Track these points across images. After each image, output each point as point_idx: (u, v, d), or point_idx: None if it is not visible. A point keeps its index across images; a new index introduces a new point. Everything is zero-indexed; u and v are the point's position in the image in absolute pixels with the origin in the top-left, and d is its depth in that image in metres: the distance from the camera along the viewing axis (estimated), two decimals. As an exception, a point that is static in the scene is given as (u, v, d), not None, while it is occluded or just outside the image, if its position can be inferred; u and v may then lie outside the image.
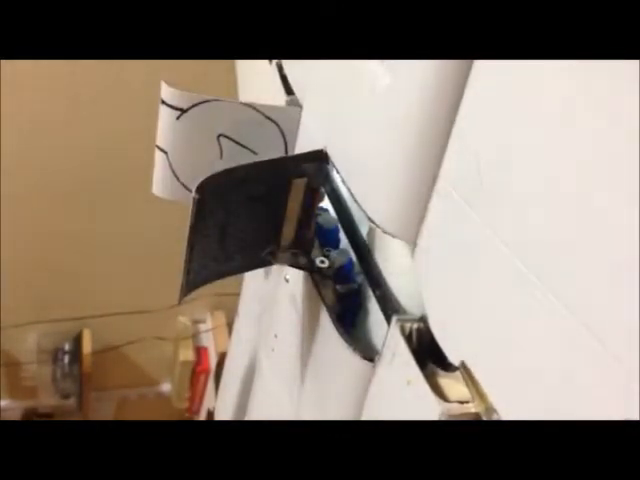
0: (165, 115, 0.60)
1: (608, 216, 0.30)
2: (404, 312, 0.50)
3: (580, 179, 0.32)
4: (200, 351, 1.72)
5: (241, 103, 0.59)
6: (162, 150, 0.63)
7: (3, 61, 1.10)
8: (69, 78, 1.21)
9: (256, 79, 0.68)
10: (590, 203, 0.31)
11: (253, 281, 0.86)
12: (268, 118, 0.59)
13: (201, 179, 0.49)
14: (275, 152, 0.61)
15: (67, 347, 1.68)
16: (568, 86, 0.32)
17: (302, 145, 0.60)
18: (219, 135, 0.61)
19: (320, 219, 0.62)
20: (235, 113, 0.59)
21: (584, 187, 0.32)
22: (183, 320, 1.71)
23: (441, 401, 0.42)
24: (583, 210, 0.32)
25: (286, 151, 0.61)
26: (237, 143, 0.61)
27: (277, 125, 0.60)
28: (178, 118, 0.60)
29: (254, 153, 0.61)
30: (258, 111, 0.59)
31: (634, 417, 0.29)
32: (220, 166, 0.53)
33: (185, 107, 0.59)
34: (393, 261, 0.54)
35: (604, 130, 0.30)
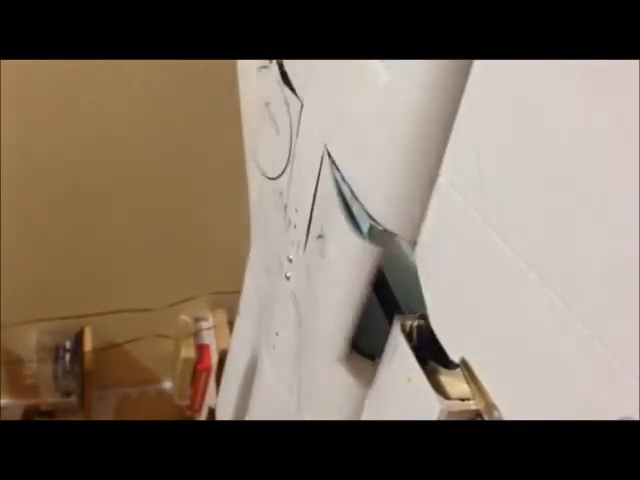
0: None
1: (608, 214, 0.30)
2: (405, 309, 0.50)
3: (580, 177, 0.32)
4: (201, 349, 1.72)
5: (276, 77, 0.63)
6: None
7: (3, 61, 1.10)
8: (69, 77, 1.21)
9: (257, 77, 0.68)
10: (591, 201, 0.31)
11: (254, 279, 0.86)
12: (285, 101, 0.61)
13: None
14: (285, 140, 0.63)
15: (68, 345, 1.67)
16: (568, 85, 0.32)
17: (302, 141, 0.60)
18: (266, 103, 0.65)
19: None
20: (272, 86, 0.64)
21: (585, 185, 0.32)
22: (184, 318, 1.71)
23: (441, 398, 0.42)
24: (584, 208, 0.32)
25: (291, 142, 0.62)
26: (271, 117, 0.65)
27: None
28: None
29: (277, 133, 0.64)
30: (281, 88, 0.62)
31: (634, 416, 0.29)
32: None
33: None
34: (393, 258, 0.54)
35: (604, 129, 0.30)
